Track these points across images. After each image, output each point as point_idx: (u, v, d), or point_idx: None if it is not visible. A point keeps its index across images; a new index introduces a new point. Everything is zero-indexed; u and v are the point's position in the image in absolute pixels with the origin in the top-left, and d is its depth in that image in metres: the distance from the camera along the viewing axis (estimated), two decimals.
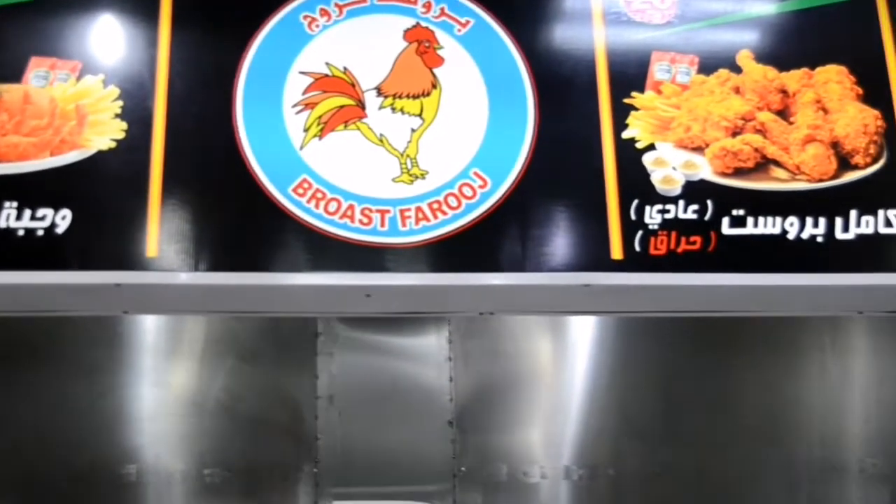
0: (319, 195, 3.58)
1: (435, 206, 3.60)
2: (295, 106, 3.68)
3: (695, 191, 3.67)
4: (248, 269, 3.52)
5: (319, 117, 3.68)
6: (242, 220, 3.56)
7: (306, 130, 3.65)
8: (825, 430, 4.20)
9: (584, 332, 4.16)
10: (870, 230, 3.67)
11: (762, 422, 4.15)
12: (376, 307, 3.70)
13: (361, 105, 3.70)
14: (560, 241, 3.59)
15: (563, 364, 4.17)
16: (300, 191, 3.58)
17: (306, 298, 3.65)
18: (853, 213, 3.68)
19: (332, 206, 3.57)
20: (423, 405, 4.07)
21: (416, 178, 3.62)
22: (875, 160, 3.76)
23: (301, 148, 3.63)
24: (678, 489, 4.12)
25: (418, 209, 3.59)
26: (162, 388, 4.10)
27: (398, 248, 3.55)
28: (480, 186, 3.63)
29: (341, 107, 3.70)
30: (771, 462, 4.14)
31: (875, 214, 3.69)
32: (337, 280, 3.53)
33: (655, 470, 4.09)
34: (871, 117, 3.80)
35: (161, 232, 3.50)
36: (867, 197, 3.71)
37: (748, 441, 4.14)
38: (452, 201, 3.61)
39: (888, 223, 3.69)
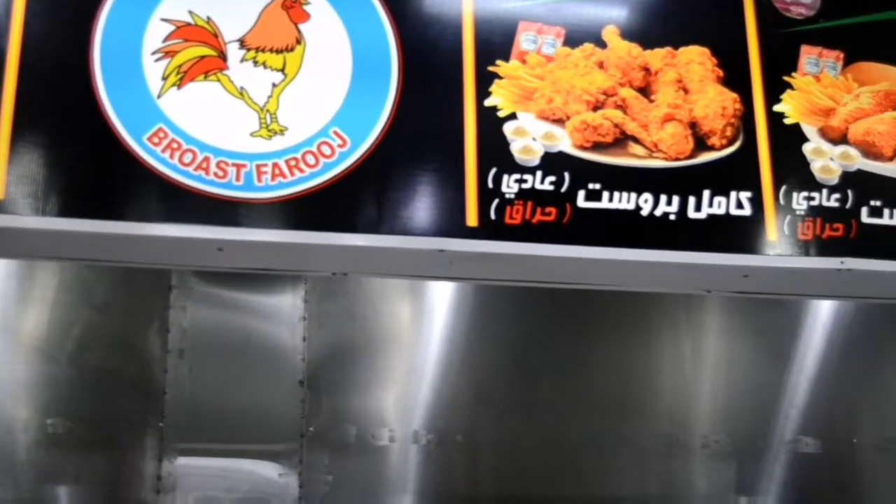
0: (175, 145, 3.52)
1: (292, 162, 3.56)
2: (154, 53, 3.61)
3: (553, 162, 3.69)
4: (98, 216, 3.45)
5: (179, 66, 3.61)
6: (94, 167, 3.49)
7: (165, 79, 3.59)
8: (673, 406, 4.26)
9: (440, 297, 4.16)
10: (721, 211, 3.73)
11: (612, 395, 4.19)
12: (228, 262, 3.66)
13: (223, 56, 3.65)
14: (416, 206, 3.58)
15: (418, 329, 4.17)
16: (155, 140, 3.52)
17: (157, 249, 3.59)
18: (706, 194, 3.74)
19: (188, 158, 3.52)
20: (274, 364, 4.03)
21: (275, 133, 3.58)
22: (731, 142, 3.82)
23: (158, 96, 3.56)
24: (525, 458, 4.15)
25: (275, 165, 3.55)
26: (7, 334, 4.00)
27: (253, 204, 3.51)
28: (339, 146, 3.60)
29: (202, 57, 3.63)
30: (619, 435, 4.19)
31: (727, 196, 3.75)
32: (188, 232, 3.48)
33: (503, 438, 4.11)
34: (729, 100, 3.86)
35: (9, 174, 3.42)
36: (721, 178, 3.77)
37: (597, 413, 4.18)
38: (310, 159, 3.57)
39: (739, 205, 3.75)
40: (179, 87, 3.58)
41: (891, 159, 3.90)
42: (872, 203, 3.85)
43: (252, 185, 3.51)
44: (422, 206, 3.57)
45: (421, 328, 4.16)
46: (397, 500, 4.06)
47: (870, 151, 3.89)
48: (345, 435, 4.03)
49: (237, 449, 3.98)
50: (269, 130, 3.58)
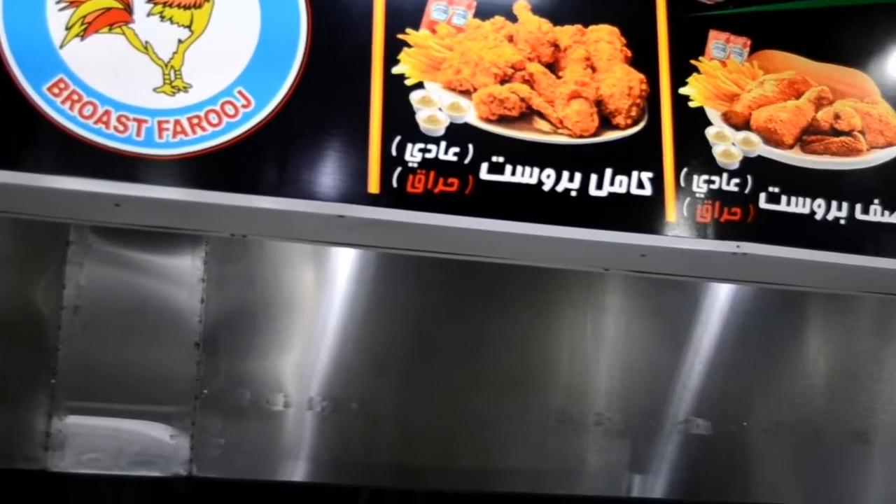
0: (75, 97, 3.47)
1: (195, 120, 3.53)
2: (59, 2, 3.55)
3: (458, 133, 3.69)
4: None
5: (84, 17, 3.55)
6: None
7: (68, 29, 3.53)
8: (569, 383, 4.29)
9: (341, 265, 4.15)
10: (622, 190, 3.76)
11: (509, 369, 4.21)
12: (125, 218, 3.62)
13: (129, 9, 3.59)
14: (319, 170, 3.57)
15: (317, 296, 4.15)
16: (55, 90, 3.46)
17: (53, 202, 3.54)
18: (608, 172, 3.76)
19: (88, 110, 3.47)
20: (171, 324, 4.00)
21: (179, 90, 3.54)
22: (636, 122, 3.85)
23: (61, 47, 3.51)
24: (421, 429, 4.16)
25: (177, 122, 3.51)
26: None
27: (152, 160, 3.47)
28: (243, 106, 3.57)
29: (107, 9, 3.58)
30: (515, 409, 4.21)
31: (629, 175, 3.78)
32: (84, 186, 3.43)
33: (400, 408, 4.11)
34: (636, 80, 3.89)
35: None
36: (623, 157, 3.80)
37: (494, 387, 4.20)
38: (213, 118, 3.54)
39: (640, 185, 3.78)
40: (83, 38, 3.52)
41: (791, 147, 3.96)
42: (771, 189, 3.90)
43: (153, 141, 3.47)
44: (324, 170, 3.55)
45: (321, 295, 4.14)
46: (291, 466, 4.05)
47: (771, 138, 3.94)
48: (239, 399, 4.01)
49: (129, 409, 3.94)
50: (172, 87, 3.54)
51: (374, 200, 3.56)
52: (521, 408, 4.22)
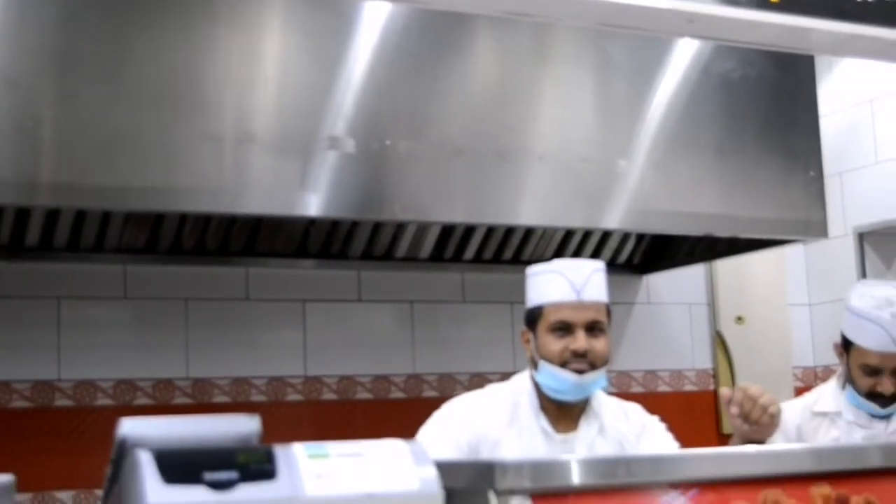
0: None
1: None
2: None
3: None
4: None
5: None
6: None
7: None
8: (220, 101, 4.29)
9: None
10: None
11: (155, 87, 4.18)
12: None
13: None
14: None
15: None
16: None
17: None
18: None
19: None
20: None
21: None
22: None
23: None
24: (66, 146, 4.12)
25: None
26: None
27: None
28: None
29: None
30: (164, 128, 4.21)
31: None
32: None
33: (28, 125, 4.01)
34: None
35: None
36: None
37: (140, 105, 4.16)
38: None
39: None
40: None
41: None
42: None
43: None
44: None
45: None
46: None
47: None
48: None
49: None
50: None
51: None
52: (172, 126, 4.23)
